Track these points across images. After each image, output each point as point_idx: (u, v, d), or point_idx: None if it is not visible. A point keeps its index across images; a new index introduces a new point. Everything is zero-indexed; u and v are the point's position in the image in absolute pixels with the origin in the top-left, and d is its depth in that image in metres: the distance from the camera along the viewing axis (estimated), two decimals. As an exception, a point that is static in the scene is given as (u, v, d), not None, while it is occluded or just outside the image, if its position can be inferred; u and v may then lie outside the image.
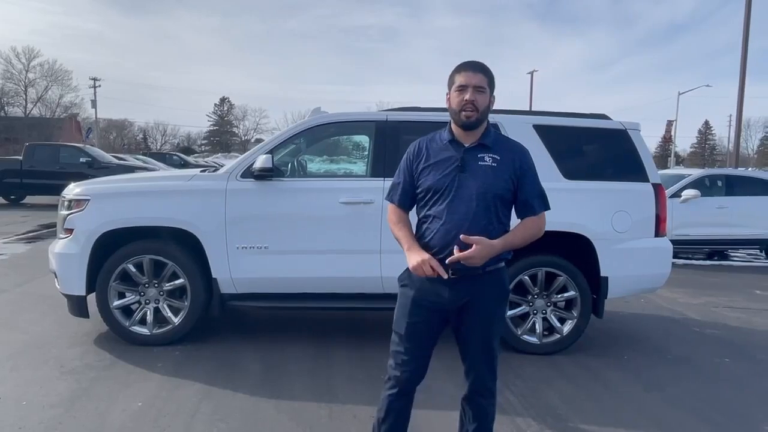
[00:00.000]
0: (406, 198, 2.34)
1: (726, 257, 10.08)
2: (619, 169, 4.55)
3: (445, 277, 2.16)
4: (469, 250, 2.11)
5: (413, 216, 2.36)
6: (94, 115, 47.47)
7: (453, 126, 2.27)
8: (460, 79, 2.21)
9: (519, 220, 2.32)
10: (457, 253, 2.12)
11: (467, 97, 2.18)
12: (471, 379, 2.37)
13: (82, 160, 15.66)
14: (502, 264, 2.32)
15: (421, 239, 2.27)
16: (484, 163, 2.23)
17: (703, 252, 10.16)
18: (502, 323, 2.41)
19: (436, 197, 2.23)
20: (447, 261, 2.16)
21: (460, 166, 2.21)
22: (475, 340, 2.31)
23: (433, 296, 2.26)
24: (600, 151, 4.73)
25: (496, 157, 2.23)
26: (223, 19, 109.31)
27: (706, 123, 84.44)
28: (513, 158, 2.26)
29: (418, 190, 2.28)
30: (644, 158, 4.53)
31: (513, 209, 2.33)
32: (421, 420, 3.22)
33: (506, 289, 2.37)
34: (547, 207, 2.35)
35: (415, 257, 2.18)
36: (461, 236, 2.14)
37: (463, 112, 2.19)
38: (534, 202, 2.30)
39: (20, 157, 15.80)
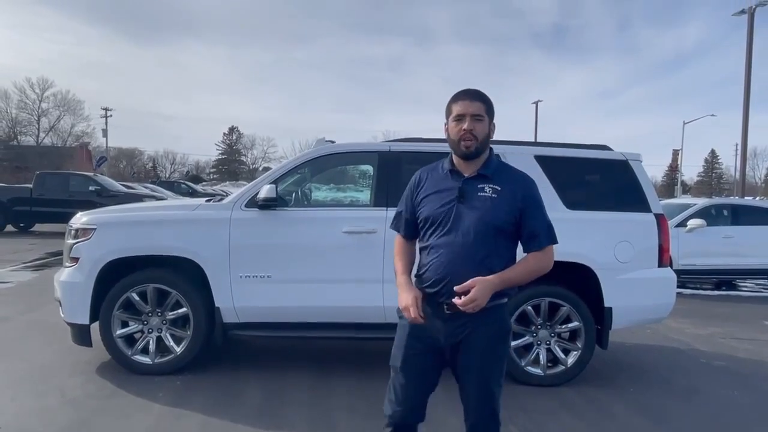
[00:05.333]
0: (409, 228, 2.32)
1: (734, 287, 9.98)
2: (621, 200, 4.57)
3: (421, 322, 2.13)
4: (469, 295, 2.03)
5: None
6: (105, 144, 48.22)
7: (453, 156, 2.24)
8: (457, 109, 2.17)
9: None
10: (457, 301, 2.05)
11: (465, 126, 2.13)
12: (469, 424, 2.24)
13: (91, 188, 15.85)
14: (504, 300, 2.20)
15: (418, 270, 2.24)
16: (483, 194, 2.15)
17: (711, 282, 10.07)
18: (502, 363, 2.23)
19: (433, 228, 2.19)
20: (449, 304, 2.11)
21: (459, 197, 2.16)
22: (471, 380, 2.19)
23: (429, 330, 2.18)
24: (602, 181, 4.76)
25: (496, 187, 2.16)
26: (231, 49, 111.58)
27: (713, 152, 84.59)
28: (515, 189, 2.17)
29: (418, 220, 2.25)
30: (646, 188, 4.55)
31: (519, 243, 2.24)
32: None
33: (507, 326, 2.26)
34: (553, 241, 2.23)
35: (404, 296, 2.16)
36: (455, 288, 2.06)
37: (462, 142, 2.14)
38: (538, 235, 2.19)
39: (30, 185, 16.01)
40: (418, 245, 2.29)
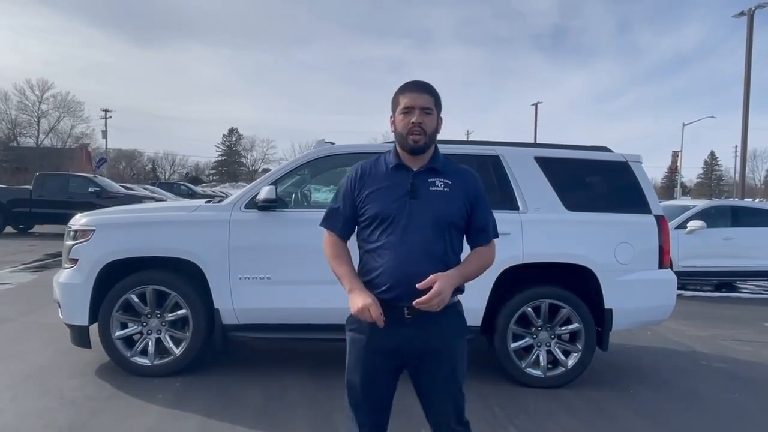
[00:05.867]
0: (346, 226, 2.15)
1: (735, 289, 9.97)
2: (621, 201, 4.57)
3: (381, 326, 1.96)
4: (434, 289, 1.92)
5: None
6: (104, 146, 48.23)
7: (398, 150, 2.11)
8: (405, 101, 2.05)
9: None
10: (422, 299, 1.91)
11: (414, 119, 2.02)
12: (435, 428, 2.16)
13: (90, 189, 15.83)
14: (457, 297, 2.12)
15: (366, 275, 2.07)
16: (435, 188, 2.06)
17: (711, 284, 10.06)
18: (465, 361, 2.16)
19: (384, 226, 2.03)
20: (413, 305, 1.95)
21: (411, 192, 2.04)
22: (441, 382, 2.10)
23: (389, 341, 2.03)
24: (602, 182, 4.76)
25: (447, 182, 2.08)
26: (232, 51, 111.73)
27: (712, 154, 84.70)
28: (465, 183, 2.12)
29: (362, 218, 2.09)
30: (646, 190, 4.55)
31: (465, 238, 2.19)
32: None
33: (465, 322, 2.17)
34: (497, 235, 2.20)
35: (359, 300, 1.98)
36: (417, 285, 1.93)
37: (411, 136, 2.03)
38: (486, 229, 2.15)
39: (30, 187, 16.00)
40: (362, 247, 2.11)
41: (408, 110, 2.05)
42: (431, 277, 1.95)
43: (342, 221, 2.15)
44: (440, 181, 2.09)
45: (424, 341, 2.05)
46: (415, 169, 2.09)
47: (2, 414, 3.57)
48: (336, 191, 2.20)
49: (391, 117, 2.14)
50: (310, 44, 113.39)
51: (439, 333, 2.06)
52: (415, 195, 2.05)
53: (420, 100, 2.05)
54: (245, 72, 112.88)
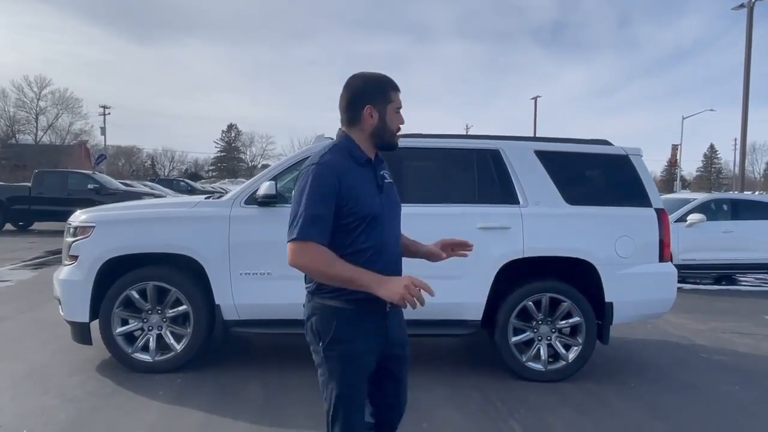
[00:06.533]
0: (329, 234, 1.89)
1: (734, 282, 9.98)
2: (622, 195, 4.56)
3: (433, 294, 1.80)
4: (423, 281, 1.82)
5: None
6: (103, 142, 48.20)
7: (363, 143, 2.00)
8: (397, 99, 2.01)
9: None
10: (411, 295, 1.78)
11: (402, 120, 2.03)
12: (394, 416, 2.17)
13: (89, 186, 15.83)
14: None
15: None
16: (388, 180, 2.06)
17: (711, 277, 10.07)
18: None
19: (372, 226, 1.93)
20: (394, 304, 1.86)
21: (380, 187, 2.00)
22: (403, 381, 2.14)
23: (380, 337, 1.99)
24: (602, 176, 4.75)
25: (387, 171, 2.10)
26: (231, 47, 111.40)
27: (711, 147, 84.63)
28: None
29: (348, 220, 1.90)
30: (646, 183, 4.54)
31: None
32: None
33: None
34: None
35: (397, 282, 1.79)
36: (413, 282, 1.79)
37: (396, 137, 2.03)
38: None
39: (29, 184, 15.99)
40: (344, 250, 1.90)
41: (399, 110, 2.03)
42: (406, 276, 1.86)
43: (328, 228, 1.88)
44: (386, 173, 2.08)
45: (399, 331, 2.09)
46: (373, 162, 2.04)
47: (3, 412, 3.57)
48: (310, 194, 1.86)
49: (368, 108, 1.97)
50: (310, 39, 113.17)
51: (403, 323, 2.13)
52: (381, 189, 2.00)
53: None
54: (244, 68, 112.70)
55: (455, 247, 2.25)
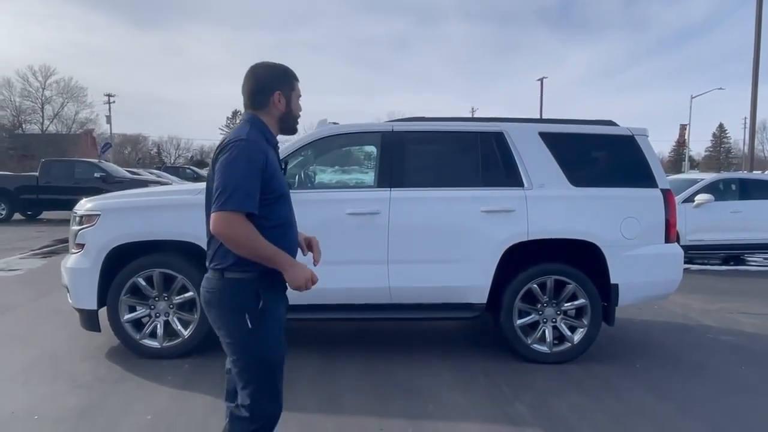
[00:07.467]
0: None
1: (743, 262, 9.93)
2: (628, 176, 4.52)
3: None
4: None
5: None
6: (109, 131, 48.30)
7: (271, 127, 2.16)
8: (298, 89, 2.23)
9: None
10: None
11: (301, 109, 2.23)
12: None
13: (96, 175, 15.90)
14: None
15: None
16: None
17: (719, 257, 10.02)
18: None
19: (283, 202, 2.12)
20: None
21: (282, 169, 2.19)
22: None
23: (285, 306, 2.25)
24: (607, 157, 4.71)
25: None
26: (233, 32, 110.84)
27: (721, 126, 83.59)
28: None
29: (270, 196, 2.03)
30: (652, 164, 4.50)
31: None
32: (430, 431, 3.21)
33: None
34: None
35: (304, 272, 2.04)
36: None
37: (297, 122, 2.23)
38: None
39: (36, 174, 16.07)
40: (264, 224, 2.01)
41: (299, 98, 2.23)
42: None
43: (258, 201, 1.98)
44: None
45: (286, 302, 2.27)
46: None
47: (15, 397, 3.62)
48: (243, 168, 1.95)
49: (277, 93, 2.15)
50: (311, 23, 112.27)
51: None
52: (284, 171, 2.21)
53: None
54: (247, 53, 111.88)
55: (311, 251, 2.40)
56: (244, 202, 1.92)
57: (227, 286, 2.05)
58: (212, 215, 1.94)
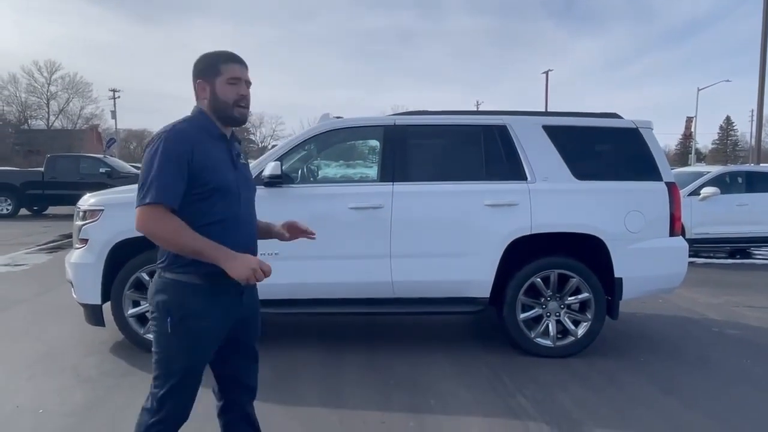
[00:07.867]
0: (180, 201, 1.90)
1: (749, 255, 9.87)
2: (632, 169, 4.49)
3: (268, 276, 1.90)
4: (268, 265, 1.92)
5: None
6: (114, 126, 48.42)
7: (213, 119, 2.03)
8: (231, 71, 2.00)
9: None
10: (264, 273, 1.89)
11: (242, 92, 2.01)
12: (243, 397, 2.34)
13: (101, 170, 15.97)
14: None
15: None
16: (243, 161, 2.12)
17: (725, 251, 9.97)
18: None
19: (224, 199, 1.96)
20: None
21: (234, 163, 2.04)
22: (252, 353, 2.27)
23: (234, 311, 2.05)
24: (611, 150, 4.68)
25: (244, 155, 2.17)
26: (236, 26, 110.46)
27: (728, 119, 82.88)
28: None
29: (201, 189, 1.92)
30: (657, 157, 4.47)
31: None
32: (432, 425, 3.21)
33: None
34: None
35: (246, 261, 1.86)
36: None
37: (238, 108, 2.01)
38: None
39: (42, 169, 16.15)
40: (195, 221, 1.91)
41: (235, 81, 2.01)
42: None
43: (180, 195, 1.89)
44: (242, 155, 2.14)
45: (251, 307, 2.15)
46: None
47: (20, 392, 3.65)
48: (161, 161, 1.87)
49: (199, 81, 2.03)
50: (316, 17, 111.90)
51: (256, 299, 2.20)
52: (236, 166, 2.05)
53: (246, 74, 2.05)
54: (250, 47, 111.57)
55: (299, 233, 2.34)
56: (160, 195, 1.84)
57: (161, 286, 1.99)
58: (136, 212, 1.88)
